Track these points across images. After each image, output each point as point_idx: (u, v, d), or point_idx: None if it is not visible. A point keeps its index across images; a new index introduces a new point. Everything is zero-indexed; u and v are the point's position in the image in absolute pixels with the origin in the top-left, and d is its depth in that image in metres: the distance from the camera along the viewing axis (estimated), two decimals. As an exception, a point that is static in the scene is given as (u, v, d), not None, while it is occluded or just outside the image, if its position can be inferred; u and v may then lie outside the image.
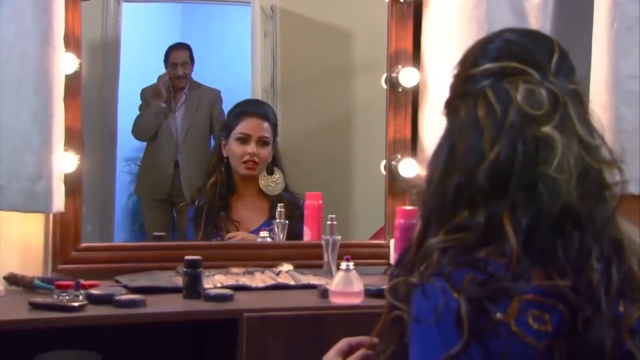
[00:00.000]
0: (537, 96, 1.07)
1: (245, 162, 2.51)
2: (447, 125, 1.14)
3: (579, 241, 1.04)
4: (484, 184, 1.05)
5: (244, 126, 2.52)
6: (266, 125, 2.53)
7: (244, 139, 2.51)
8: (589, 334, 1.00)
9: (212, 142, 2.68)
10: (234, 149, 2.51)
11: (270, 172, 2.54)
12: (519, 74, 1.09)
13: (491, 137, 1.06)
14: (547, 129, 1.05)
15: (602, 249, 1.05)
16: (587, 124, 1.10)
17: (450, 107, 1.15)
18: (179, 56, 2.62)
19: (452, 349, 0.99)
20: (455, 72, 1.17)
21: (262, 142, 2.52)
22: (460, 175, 1.07)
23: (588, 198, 1.06)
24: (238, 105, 2.60)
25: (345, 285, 1.93)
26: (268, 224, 2.47)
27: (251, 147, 2.50)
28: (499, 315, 1.00)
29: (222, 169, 2.52)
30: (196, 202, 2.53)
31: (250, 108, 2.57)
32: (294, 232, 2.44)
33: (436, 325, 1.01)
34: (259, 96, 2.68)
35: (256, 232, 2.48)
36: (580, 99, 1.12)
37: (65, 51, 2.10)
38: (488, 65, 1.11)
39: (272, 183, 2.54)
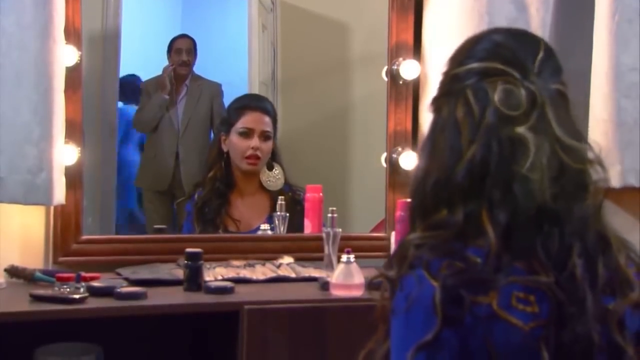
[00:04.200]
0: (515, 96, 1.09)
1: (248, 157, 2.50)
2: (431, 123, 1.17)
3: (559, 238, 1.05)
4: (461, 183, 1.07)
5: (246, 120, 2.51)
6: (267, 119, 2.53)
7: (247, 133, 2.50)
8: (576, 328, 1.01)
9: (212, 135, 2.68)
10: (236, 143, 2.51)
11: (270, 168, 2.54)
12: (499, 74, 1.10)
13: (468, 137, 1.08)
14: (521, 130, 1.07)
15: (584, 244, 1.06)
16: (566, 123, 1.11)
17: (435, 106, 1.17)
18: (184, 43, 2.62)
19: (423, 337, 1.00)
20: (444, 69, 1.18)
21: (264, 136, 2.51)
22: (439, 174, 1.09)
23: (564, 196, 1.07)
24: (238, 100, 2.59)
25: (346, 277, 1.93)
26: (269, 223, 2.47)
27: (254, 142, 2.49)
28: (480, 297, 1.01)
29: (222, 164, 2.52)
30: (194, 196, 2.52)
31: (251, 102, 2.57)
32: (295, 225, 2.44)
33: (406, 313, 1.03)
34: (257, 89, 2.68)
35: (256, 231, 2.47)
36: (564, 98, 1.13)
37: (66, 43, 2.10)
38: (471, 65, 1.13)
39: (272, 178, 2.53)
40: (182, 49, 2.62)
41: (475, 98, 1.09)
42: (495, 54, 1.13)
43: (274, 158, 2.54)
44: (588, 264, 1.05)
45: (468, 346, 1.00)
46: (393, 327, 1.05)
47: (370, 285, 1.17)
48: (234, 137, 2.51)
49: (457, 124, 1.10)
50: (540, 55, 1.13)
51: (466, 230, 1.05)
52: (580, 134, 1.12)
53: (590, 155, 1.11)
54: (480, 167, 1.06)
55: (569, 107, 1.13)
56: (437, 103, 1.16)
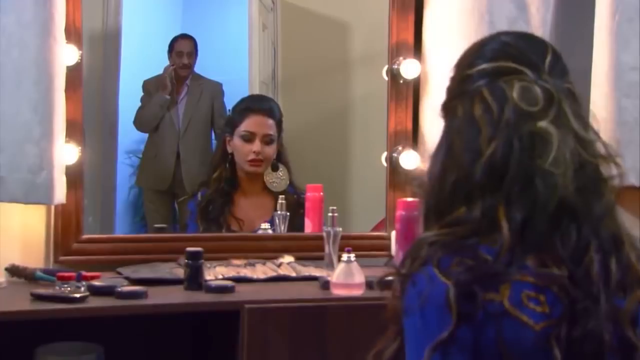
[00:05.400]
0: (532, 93, 1.09)
1: (250, 161, 2.49)
2: (445, 125, 1.16)
3: (576, 234, 1.05)
4: (480, 181, 1.07)
5: (248, 124, 2.50)
6: (271, 122, 2.52)
7: (249, 137, 2.49)
8: (587, 325, 1.01)
9: (213, 134, 2.68)
10: (238, 146, 2.50)
11: (274, 168, 2.53)
12: (513, 73, 1.11)
13: (488, 135, 1.08)
14: (543, 124, 1.07)
15: (600, 241, 1.06)
16: (582, 119, 1.12)
17: (448, 108, 1.17)
18: (185, 45, 2.61)
19: (439, 335, 1.00)
20: (451, 74, 1.19)
21: (267, 139, 2.50)
22: (458, 173, 1.09)
23: (584, 191, 1.07)
24: (243, 102, 2.58)
25: (347, 276, 1.93)
26: (270, 222, 2.47)
27: (256, 146, 2.48)
28: (491, 294, 1.01)
29: (227, 165, 2.51)
30: (197, 195, 2.52)
31: (255, 105, 2.55)
32: (296, 227, 2.44)
33: (420, 312, 1.02)
34: (257, 89, 2.67)
35: (258, 231, 2.47)
36: (574, 97, 1.14)
37: (66, 43, 2.10)
38: (484, 66, 1.13)
39: (277, 179, 2.53)
40: (184, 52, 2.61)
41: (492, 96, 1.10)
42: (505, 53, 1.13)
43: (279, 159, 2.53)
44: (603, 262, 1.05)
45: (480, 343, 1.00)
46: (407, 327, 1.05)
47: (380, 282, 1.16)
48: (237, 141, 2.50)
49: (475, 122, 1.10)
50: (549, 56, 1.13)
51: (481, 227, 1.05)
52: (595, 130, 1.13)
53: (603, 151, 1.12)
54: (501, 163, 1.06)
55: (580, 105, 1.14)
56: (449, 106, 1.16)
